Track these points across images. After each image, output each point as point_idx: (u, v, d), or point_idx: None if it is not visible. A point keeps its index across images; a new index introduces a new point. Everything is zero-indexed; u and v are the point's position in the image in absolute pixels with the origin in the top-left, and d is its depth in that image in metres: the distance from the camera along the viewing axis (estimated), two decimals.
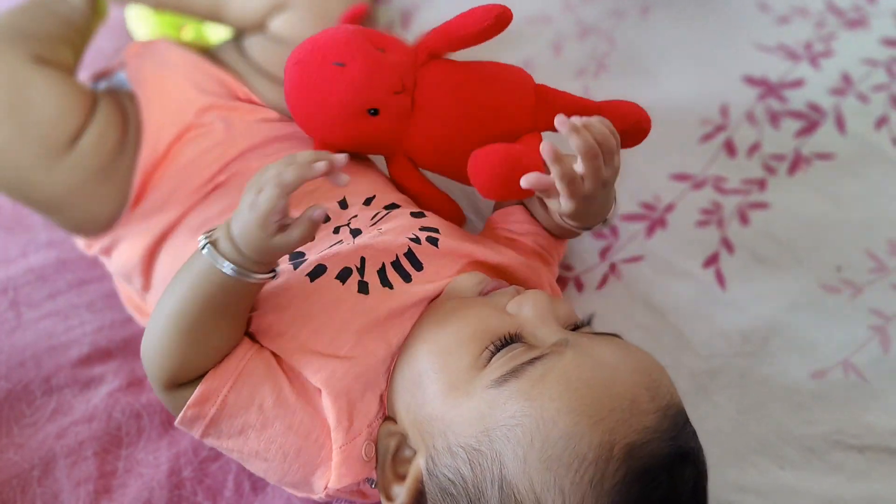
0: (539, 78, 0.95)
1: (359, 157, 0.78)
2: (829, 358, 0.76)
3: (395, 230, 0.69)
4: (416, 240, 0.68)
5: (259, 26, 0.83)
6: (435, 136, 0.73)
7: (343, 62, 0.69)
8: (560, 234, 0.77)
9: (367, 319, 0.63)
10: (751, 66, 0.95)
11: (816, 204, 0.85)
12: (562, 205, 0.65)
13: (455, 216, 0.76)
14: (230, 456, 0.65)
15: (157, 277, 0.72)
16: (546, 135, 0.72)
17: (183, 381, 0.61)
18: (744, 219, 0.85)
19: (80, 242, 0.79)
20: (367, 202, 0.72)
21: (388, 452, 0.61)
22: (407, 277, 0.66)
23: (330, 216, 0.57)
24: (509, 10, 0.72)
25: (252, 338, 0.64)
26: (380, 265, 0.66)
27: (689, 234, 0.84)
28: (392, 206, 0.72)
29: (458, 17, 0.73)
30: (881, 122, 0.91)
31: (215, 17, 0.85)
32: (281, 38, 0.82)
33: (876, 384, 0.75)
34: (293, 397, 0.61)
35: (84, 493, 0.70)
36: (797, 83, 0.94)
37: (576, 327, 0.63)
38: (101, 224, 0.75)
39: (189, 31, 0.94)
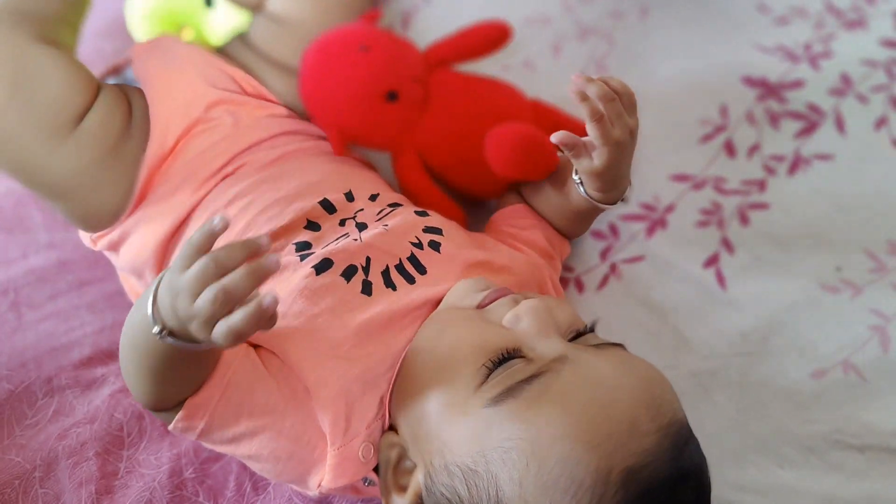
0: (539, 79, 0.96)
1: (364, 162, 0.79)
2: (828, 358, 0.76)
3: (399, 228, 0.69)
4: (419, 244, 0.68)
5: (257, 5, 0.83)
6: (446, 129, 0.76)
7: (368, 46, 0.73)
8: (567, 230, 0.78)
9: (367, 321, 0.63)
10: (750, 67, 0.95)
11: (816, 204, 0.85)
12: (595, 157, 0.66)
13: (456, 219, 0.77)
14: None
15: None
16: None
17: (167, 407, 0.60)
18: (744, 219, 0.85)
19: (86, 237, 0.78)
20: (373, 198, 0.72)
21: (389, 463, 0.61)
22: (411, 280, 0.67)
23: (278, 300, 0.52)
24: (508, 27, 0.78)
25: None
26: (384, 266, 0.66)
27: (689, 234, 0.84)
28: (395, 205, 0.72)
29: (461, 31, 0.76)
30: (880, 122, 0.91)
31: None
32: (279, 18, 0.82)
33: (875, 384, 0.75)
34: (282, 403, 0.61)
35: (86, 494, 0.70)
36: (797, 84, 0.94)
37: (578, 334, 0.62)
38: (106, 214, 0.74)
39: (189, 32, 0.95)
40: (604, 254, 0.83)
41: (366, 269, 0.66)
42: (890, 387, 0.75)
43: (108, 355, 0.80)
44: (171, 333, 0.53)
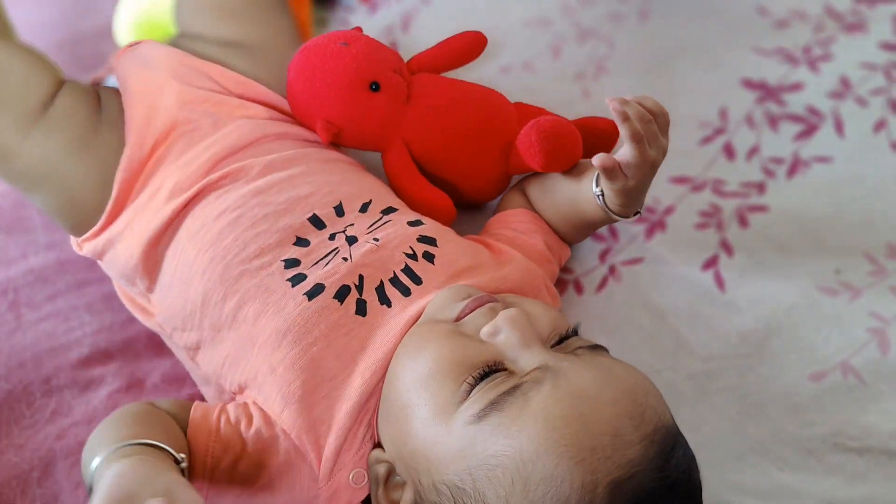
0: (538, 80, 0.97)
1: (355, 164, 0.79)
2: (827, 360, 0.76)
3: (392, 242, 0.68)
4: (413, 255, 0.68)
5: None
6: (432, 120, 0.77)
7: (347, 42, 0.76)
8: (571, 236, 0.78)
9: (362, 347, 0.63)
10: (749, 70, 0.96)
11: (815, 207, 0.86)
12: (630, 177, 0.67)
13: (446, 211, 0.77)
14: None
15: (162, 281, 0.72)
16: None
17: None
18: (743, 221, 0.85)
19: (74, 243, 0.78)
20: (364, 208, 0.71)
21: (379, 480, 0.61)
22: (406, 291, 0.66)
23: None
24: (483, 35, 0.81)
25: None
26: (378, 283, 0.66)
27: (688, 236, 0.84)
28: (389, 210, 0.72)
29: (439, 43, 0.78)
30: (879, 125, 0.91)
31: None
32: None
33: (874, 386, 0.75)
34: (266, 471, 0.61)
35: (83, 495, 0.70)
36: (796, 87, 0.94)
37: (561, 338, 0.61)
38: (83, 210, 0.75)
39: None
40: (603, 255, 0.83)
41: (359, 288, 0.66)
42: (889, 389, 0.75)
43: (107, 355, 0.79)
44: None
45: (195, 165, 0.72)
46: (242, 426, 0.62)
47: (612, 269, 0.82)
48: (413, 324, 0.64)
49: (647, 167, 0.67)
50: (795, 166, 0.89)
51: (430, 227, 0.72)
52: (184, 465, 0.57)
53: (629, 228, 0.85)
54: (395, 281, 0.67)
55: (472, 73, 0.93)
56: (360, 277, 0.66)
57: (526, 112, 0.81)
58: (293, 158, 0.73)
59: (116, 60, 0.80)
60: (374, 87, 0.75)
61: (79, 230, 0.76)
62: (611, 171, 0.67)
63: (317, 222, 0.69)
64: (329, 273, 0.66)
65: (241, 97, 0.78)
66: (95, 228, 0.74)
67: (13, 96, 0.73)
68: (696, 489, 0.57)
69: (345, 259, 0.67)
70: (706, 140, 0.91)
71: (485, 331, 0.60)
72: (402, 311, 0.65)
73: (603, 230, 0.84)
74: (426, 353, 0.60)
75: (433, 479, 0.57)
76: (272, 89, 0.79)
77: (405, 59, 0.81)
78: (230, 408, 0.64)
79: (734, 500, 0.70)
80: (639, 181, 0.68)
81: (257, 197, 0.70)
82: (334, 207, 0.71)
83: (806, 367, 0.76)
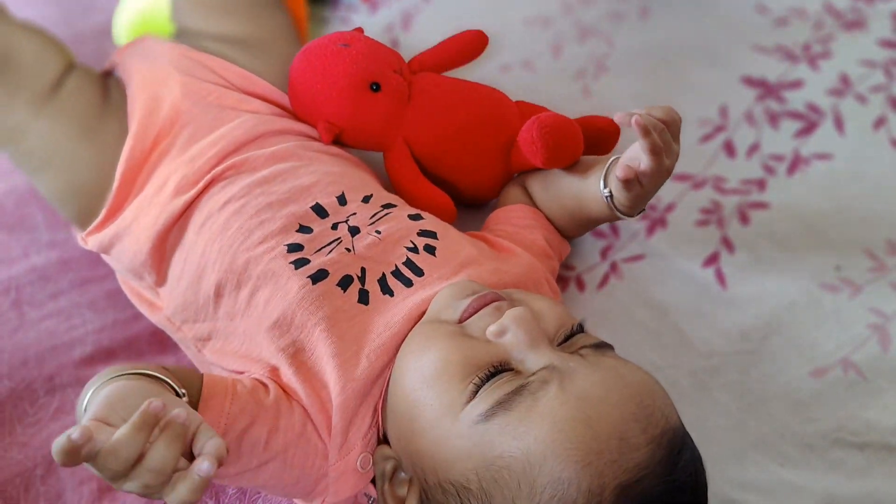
0: (539, 79, 0.97)
1: (355, 160, 0.79)
2: (828, 356, 0.77)
3: (393, 235, 0.69)
4: (415, 248, 0.68)
5: None
6: (433, 120, 0.77)
7: (347, 44, 0.77)
8: (572, 232, 0.79)
9: (365, 332, 0.63)
10: (749, 68, 0.96)
11: (816, 204, 0.86)
12: (645, 185, 0.67)
13: (447, 210, 0.78)
14: None
15: (172, 275, 0.72)
16: None
17: None
18: (744, 218, 0.85)
19: (79, 238, 0.79)
20: (366, 200, 0.72)
21: (385, 476, 0.61)
22: (408, 283, 0.67)
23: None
24: (484, 34, 0.81)
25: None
26: (380, 275, 0.67)
27: (689, 233, 0.84)
28: (389, 206, 0.72)
29: (440, 42, 0.79)
30: (879, 122, 0.91)
31: None
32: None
33: (875, 382, 0.75)
34: (281, 438, 0.60)
35: (87, 492, 0.70)
36: (796, 84, 0.94)
37: (567, 336, 0.61)
38: (87, 199, 0.75)
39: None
40: (604, 252, 0.83)
41: (361, 279, 0.66)
42: (890, 385, 0.75)
43: (110, 353, 0.80)
44: None
45: (202, 161, 0.72)
46: (260, 394, 0.61)
47: (613, 266, 0.83)
48: (418, 311, 0.64)
49: (663, 175, 0.68)
50: (796, 163, 0.89)
51: (430, 221, 0.72)
52: (185, 400, 0.56)
53: (630, 225, 0.85)
54: (396, 273, 0.67)
55: (472, 72, 0.93)
56: (363, 269, 0.67)
57: (527, 111, 0.81)
58: (296, 150, 0.74)
59: (120, 55, 0.80)
60: (375, 87, 0.76)
61: (82, 221, 0.77)
62: (629, 183, 0.67)
63: (319, 211, 0.70)
64: (332, 261, 0.66)
65: (243, 91, 0.78)
66: (99, 220, 0.75)
67: (27, 74, 0.75)
68: (703, 491, 0.57)
69: (348, 250, 0.67)
70: (706, 138, 0.91)
71: (491, 330, 0.60)
72: (406, 299, 0.65)
73: (604, 227, 0.85)
74: (431, 353, 0.60)
75: (439, 478, 0.57)
76: (273, 85, 0.79)
77: (406, 59, 0.81)
78: (243, 378, 0.64)
79: (736, 496, 0.70)
80: (652, 188, 0.69)
81: (261, 187, 0.70)
82: (337, 197, 0.71)
83: (807, 364, 0.76)
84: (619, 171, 0.66)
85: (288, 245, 0.67)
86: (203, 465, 0.48)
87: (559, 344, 0.60)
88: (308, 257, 0.67)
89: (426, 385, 0.59)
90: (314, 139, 0.78)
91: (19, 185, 0.89)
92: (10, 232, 0.87)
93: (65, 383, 0.77)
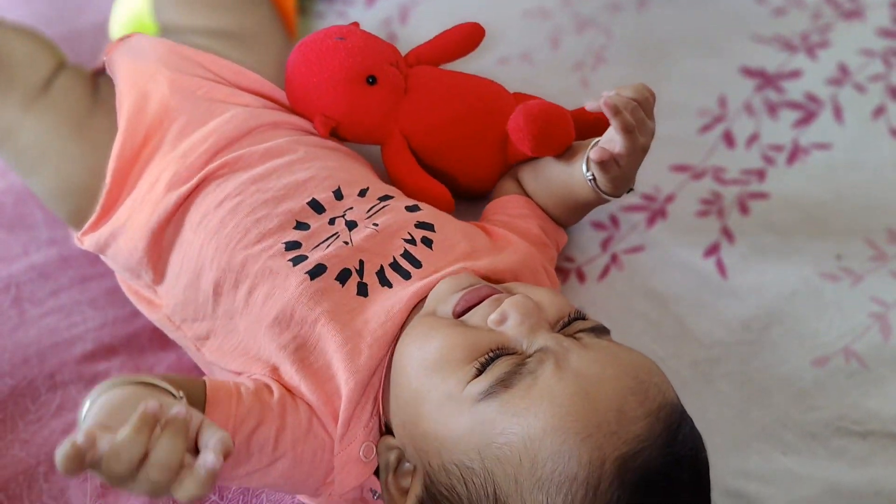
0: (537, 71, 0.97)
1: (351, 153, 0.79)
2: (830, 345, 0.77)
3: (390, 227, 0.69)
4: (412, 240, 0.69)
5: None
6: (430, 112, 0.77)
7: (343, 37, 0.76)
8: (565, 218, 0.79)
9: (366, 322, 0.64)
10: (748, 58, 0.96)
11: (815, 193, 0.86)
12: (623, 165, 0.68)
13: (445, 203, 0.77)
14: None
15: (170, 273, 0.72)
16: None
17: None
18: (744, 209, 0.85)
19: (75, 239, 0.79)
20: (362, 193, 0.72)
21: (388, 467, 0.61)
22: (406, 275, 0.67)
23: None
24: (481, 26, 0.81)
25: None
26: (378, 267, 0.67)
27: (689, 223, 0.84)
28: (386, 198, 0.72)
29: (437, 35, 0.79)
30: (878, 111, 0.91)
31: None
32: None
33: (877, 371, 0.75)
34: (289, 436, 0.60)
35: (90, 488, 0.70)
36: (794, 74, 0.94)
37: (566, 323, 0.61)
38: (80, 198, 0.75)
39: None
40: (605, 244, 0.83)
41: (360, 272, 0.66)
42: (891, 374, 0.75)
43: (111, 350, 0.80)
44: None
45: (194, 156, 0.72)
46: (264, 395, 0.62)
47: (613, 258, 0.83)
48: (416, 300, 0.65)
49: (639, 154, 0.69)
50: (795, 153, 0.89)
51: (427, 212, 0.72)
52: (183, 401, 0.55)
53: (630, 217, 0.85)
54: (395, 266, 0.67)
55: (470, 64, 0.93)
56: (361, 262, 0.67)
57: (523, 100, 0.81)
58: (290, 145, 0.74)
59: (108, 53, 0.80)
60: (371, 80, 0.76)
61: (77, 221, 0.77)
62: (606, 164, 0.68)
63: (316, 206, 0.70)
64: (330, 255, 0.66)
65: (233, 85, 0.78)
66: (93, 219, 0.74)
67: (19, 73, 0.75)
68: (704, 467, 0.58)
69: (346, 243, 0.67)
70: (706, 128, 0.91)
71: (492, 318, 0.60)
72: (405, 289, 0.65)
73: (604, 219, 0.85)
74: (435, 341, 0.60)
75: (442, 460, 0.58)
76: (263, 77, 0.79)
77: (403, 52, 0.81)
78: (245, 380, 0.64)
79: (738, 484, 0.70)
80: (631, 168, 0.70)
81: (256, 184, 0.70)
82: (333, 192, 0.71)
83: (808, 353, 0.76)
84: (592, 154, 0.67)
85: (286, 243, 0.67)
86: (209, 458, 0.47)
87: (559, 331, 0.61)
88: (306, 254, 0.67)
89: (430, 371, 0.59)
90: (308, 132, 0.77)
91: (17, 183, 0.89)
92: (10, 230, 0.87)
93: (66, 380, 0.77)
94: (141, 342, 0.81)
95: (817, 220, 0.84)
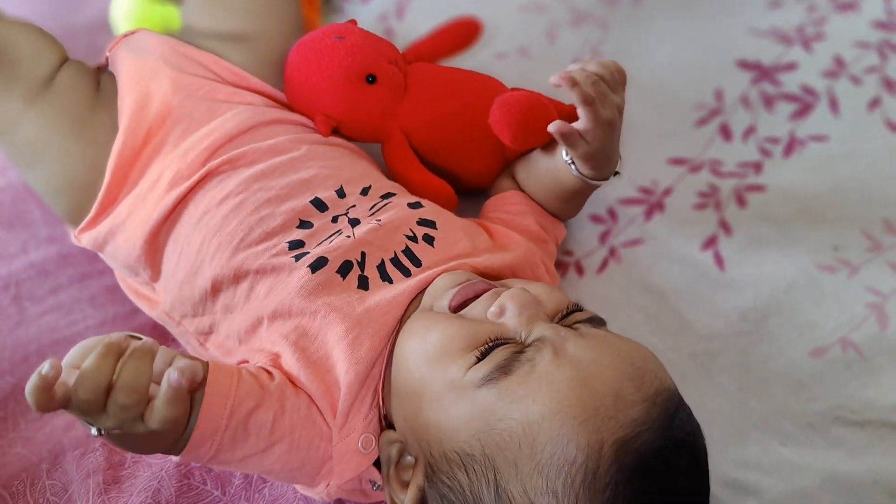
0: (534, 66, 0.97)
1: (353, 149, 0.79)
2: (827, 336, 0.77)
3: (393, 223, 0.69)
4: (414, 237, 0.69)
5: None
6: (430, 109, 0.77)
7: (342, 36, 0.76)
8: (561, 211, 0.79)
9: (366, 314, 0.64)
10: (744, 51, 0.96)
11: (812, 185, 0.86)
12: (589, 140, 0.67)
13: (448, 199, 0.78)
14: None
15: (166, 269, 0.72)
16: None
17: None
18: (741, 201, 0.86)
19: (72, 236, 0.79)
20: (365, 192, 0.72)
21: (390, 461, 0.62)
22: (406, 272, 0.67)
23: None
24: (478, 21, 0.78)
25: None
26: (379, 261, 0.67)
27: (687, 217, 0.84)
28: (388, 195, 0.73)
29: (434, 30, 0.78)
30: (874, 103, 0.92)
31: None
32: None
33: (874, 361, 0.76)
34: (287, 420, 0.60)
35: (93, 485, 0.70)
36: (790, 66, 0.95)
37: (564, 315, 0.62)
38: (79, 194, 0.75)
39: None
40: (603, 237, 0.84)
41: (361, 264, 0.66)
42: (888, 363, 0.76)
43: None
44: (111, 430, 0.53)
45: (195, 153, 0.72)
46: (264, 378, 0.62)
47: (612, 251, 0.83)
48: (416, 292, 0.65)
49: (604, 128, 0.68)
50: (792, 145, 0.89)
51: (429, 209, 0.72)
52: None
53: (628, 210, 0.85)
54: (395, 261, 0.67)
55: (467, 60, 0.93)
56: (363, 254, 0.67)
57: (501, 94, 0.80)
58: (293, 142, 0.74)
59: (111, 50, 0.80)
60: (371, 79, 0.75)
61: (75, 218, 0.77)
62: (568, 137, 0.67)
63: (319, 205, 0.70)
64: (332, 248, 0.67)
65: (234, 85, 0.78)
66: (91, 216, 0.74)
67: (23, 67, 0.75)
68: (702, 451, 0.58)
69: (348, 237, 0.68)
70: (702, 121, 0.91)
71: (491, 311, 0.61)
72: (405, 283, 0.66)
73: (602, 212, 0.85)
74: (435, 333, 0.61)
75: (443, 448, 0.58)
76: (267, 82, 0.79)
77: (400, 47, 0.81)
78: (248, 366, 0.64)
79: (738, 475, 0.71)
80: (600, 143, 0.68)
81: (259, 181, 0.70)
82: (336, 190, 0.71)
83: (806, 344, 0.77)
84: (551, 127, 0.67)
85: (289, 242, 0.67)
86: (172, 374, 0.49)
87: (559, 321, 0.62)
88: (309, 251, 0.67)
89: (432, 361, 0.60)
90: (310, 129, 0.78)
91: (16, 181, 0.89)
92: (9, 228, 0.87)
93: None
94: None
95: (814, 212, 0.84)
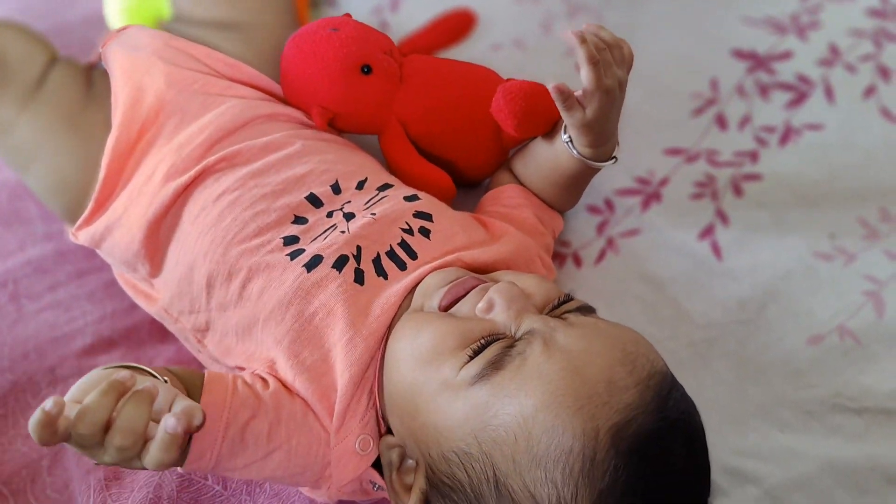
0: (529, 57, 0.97)
1: (349, 143, 0.79)
2: (824, 324, 0.78)
3: (388, 216, 0.69)
4: (409, 230, 0.69)
5: None
6: (426, 99, 0.77)
7: (336, 28, 0.76)
8: (559, 200, 0.79)
9: (361, 313, 0.64)
10: (739, 40, 0.96)
11: (808, 174, 0.86)
12: (587, 106, 0.67)
13: (446, 189, 0.78)
14: None
15: (167, 266, 0.72)
16: None
17: None
18: (737, 190, 0.86)
19: (69, 234, 0.79)
20: (360, 186, 0.72)
21: (392, 466, 0.62)
22: (402, 265, 0.67)
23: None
24: (472, 12, 0.77)
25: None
26: (374, 255, 0.67)
27: (684, 206, 0.85)
28: (385, 187, 0.73)
29: (428, 22, 0.78)
30: (869, 91, 0.92)
31: None
32: None
33: (871, 348, 0.76)
34: (284, 428, 0.61)
35: (94, 481, 0.70)
36: (785, 55, 0.95)
37: (555, 306, 0.62)
38: (74, 193, 0.75)
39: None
40: (600, 228, 0.84)
41: (357, 258, 0.66)
42: (885, 350, 0.76)
43: (110, 343, 0.80)
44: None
45: (190, 148, 0.72)
46: (259, 387, 0.62)
47: (609, 242, 0.83)
48: (409, 291, 0.65)
49: (603, 95, 0.67)
50: (787, 134, 0.90)
51: (425, 202, 0.72)
52: (167, 385, 0.57)
53: (625, 201, 0.86)
54: (391, 254, 0.67)
55: (463, 51, 0.93)
56: (358, 248, 0.67)
57: (504, 83, 0.80)
58: (288, 139, 0.74)
59: (104, 46, 0.80)
60: (366, 69, 0.76)
61: (72, 215, 0.77)
62: (567, 97, 0.66)
63: (314, 201, 0.70)
64: (327, 245, 0.67)
65: (229, 79, 0.78)
66: (87, 213, 0.74)
67: (13, 71, 0.75)
68: (699, 429, 0.59)
69: (343, 232, 0.68)
70: (698, 111, 0.92)
71: (480, 307, 0.61)
72: (398, 282, 0.66)
73: (599, 203, 0.85)
74: (426, 333, 0.61)
75: (441, 449, 0.58)
76: (260, 71, 0.79)
77: (396, 39, 0.81)
78: (244, 374, 0.64)
79: (736, 462, 0.71)
80: (597, 112, 0.67)
81: (255, 178, 0.70)
82: (331, 186, 0.71)
83: (803, 332, 0.77)
84: (551, 86, 0.66)
85: (284, 238, 0.67)
86: (169, 421, 0.49)
87: (546, 314, 0.62)
88: (304, 248, 0.67)
89: (424, 362, 0.60)
90: (305, 123, 0.77)
91: (12, 179, 0.89)
92: (6, 225, 0.87)
93: (66, 375, 0.78)
94: (140, 335, 0.81)
95: (810, 201, 0.85)
